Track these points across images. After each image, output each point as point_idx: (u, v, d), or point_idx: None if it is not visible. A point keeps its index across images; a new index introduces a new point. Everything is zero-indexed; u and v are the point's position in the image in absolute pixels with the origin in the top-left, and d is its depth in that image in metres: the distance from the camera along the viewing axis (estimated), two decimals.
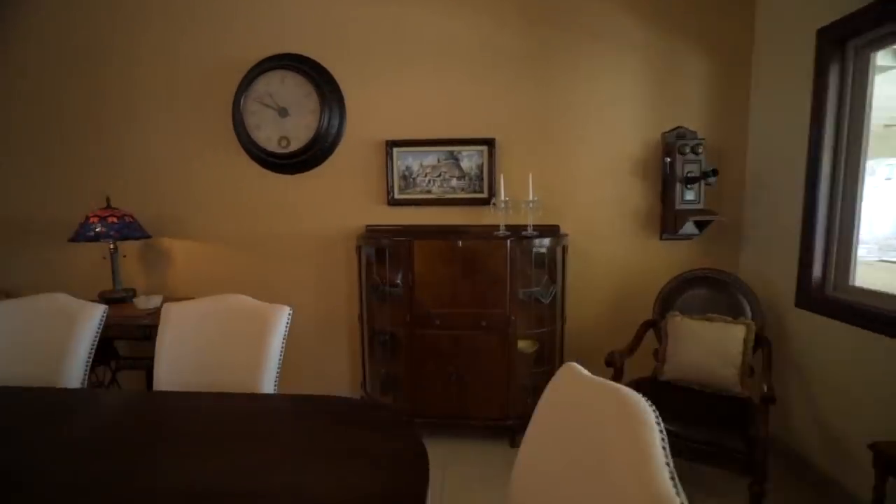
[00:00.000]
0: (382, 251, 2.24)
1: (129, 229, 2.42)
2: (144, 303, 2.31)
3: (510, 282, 2.08)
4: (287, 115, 2.43)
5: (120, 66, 2.59)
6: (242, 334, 1.41)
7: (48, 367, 1.46)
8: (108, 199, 2.47)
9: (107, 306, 1.55)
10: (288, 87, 2.41)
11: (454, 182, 2.41)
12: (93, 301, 1.58)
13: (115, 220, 2.38)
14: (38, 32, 2.60)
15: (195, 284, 2.72)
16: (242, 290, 2.64)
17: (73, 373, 1.47)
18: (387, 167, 2.42)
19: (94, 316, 1.52)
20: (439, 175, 2.42)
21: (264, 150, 2.46)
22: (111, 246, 2.47)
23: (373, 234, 2.40)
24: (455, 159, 2.39)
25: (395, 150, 2.41)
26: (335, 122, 2.43)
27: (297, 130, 2.42)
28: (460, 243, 2.09)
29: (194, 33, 2.52)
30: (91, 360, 1.51)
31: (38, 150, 2.68)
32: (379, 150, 2.45)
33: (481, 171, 2.38)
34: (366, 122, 2.47)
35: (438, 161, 2.41)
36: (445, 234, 2.26)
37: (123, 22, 2.55)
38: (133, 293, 2.54)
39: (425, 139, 2.39)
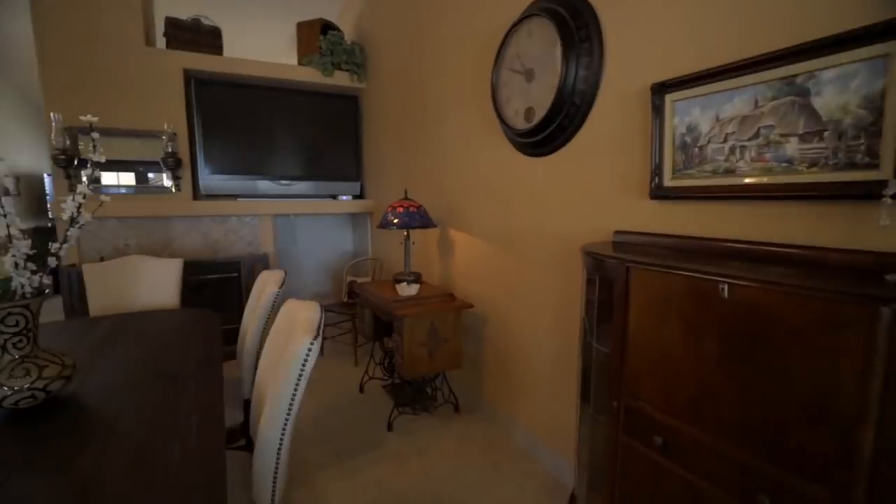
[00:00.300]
0: (595, 279, 1.29)
1: (412, 219, 2.59)
2: (403, 290, 2.42)
3: (884, 425, 0.68)
4: (532, 78, 1.84)
5: (428, 69, 2.80)
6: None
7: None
8: (405, 192, 2.75)
9: (277, 290, 1.65)
10: (535, 41, 1.80)
11: (791, 147, 1.06)
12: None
13: (401, 209, 2.61)
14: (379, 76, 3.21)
15: (464, 278, 2.63)
16: (495, 293, 2.34)
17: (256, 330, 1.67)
18: (652, 132, 1.37)
19: (269, 294, 1.65)
20: (757, 134, 1.13)
21: (512, 128, 1.97)
22: (404, 233, 2.74)
23: (612, 248, 1.44)
24: (799, 94, 1.03)
25: (669, 97, 1.32)
26: (583, 73, 1.61)
27: (542, 94, 1.78)
28: (724, 289, 0.87)
29: (463, 19, 2.35)
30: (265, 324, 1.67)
31: (385, 156, 3.35)
32: (640, 106, 1.43)
33: (873, 114, 0.91)
34: (626, 60, 1.50)
35: (756, 105, 1.12)
36: (706, 261, 1.03)
37: (424, 31, 2.71)
38: (417, 278, 2.73)
39: (729, 64, 1.16)
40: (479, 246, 2.45)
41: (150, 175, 3.53)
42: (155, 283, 2.30)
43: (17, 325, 1.11)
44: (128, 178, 3.56)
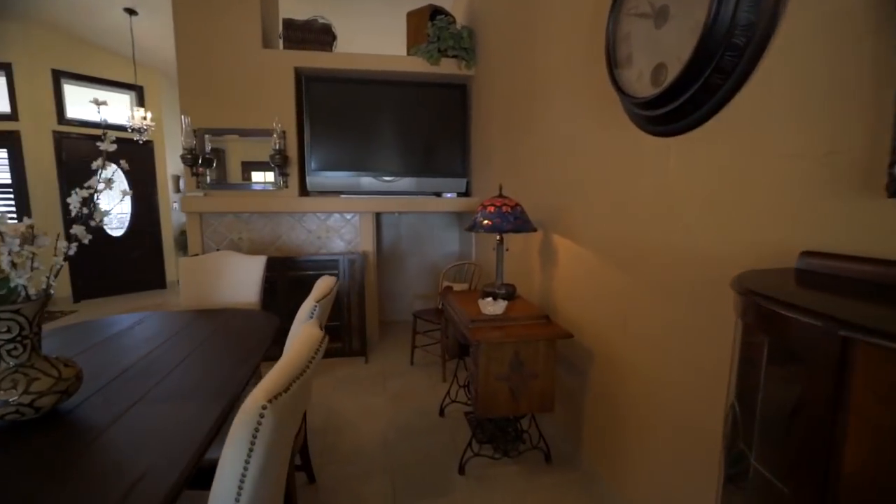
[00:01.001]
0: (759, 343, 0.70)
1: (504, 220, 2.15)
2: (486, 306, 2.00)
3: None
4: (665, 20, 1.25)
5: (537, 39, 2.30)
6: None
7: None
8: (500, 188, 2.31)
9: (314, 304, 1.38)
10: None
11: None
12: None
13: (493, 209, 2.18)
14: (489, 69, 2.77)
15: (566, 298, 2.11)
16: (605, 321, 1.76)
17: None
18: None
19: (307, 308, 1.39)
20: None
21: (633, 97, 1.40)
22: (497, 238, 2.31)
23: (795, 283, 0.82)
24: None
25: None
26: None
27: (678, 40, 1.19)
28: None
29: None
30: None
31: (492, 150, 2.92)
32: (875, 26, 0.77)
33: None
34: None
35: None
36: None
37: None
38: (510, 293, 2.28)
39: None
40: (586, 258, 1.90)
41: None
42: (237, 280, 2.28)
43: (9, 331, 1.01)
44: (272, 177, 3.79)
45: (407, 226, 4.33)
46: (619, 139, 1.60)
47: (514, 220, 2.15)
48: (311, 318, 1.35)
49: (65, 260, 1.12)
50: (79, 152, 5.01)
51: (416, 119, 3.70)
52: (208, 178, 3.33)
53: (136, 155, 5.38)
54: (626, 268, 1.59)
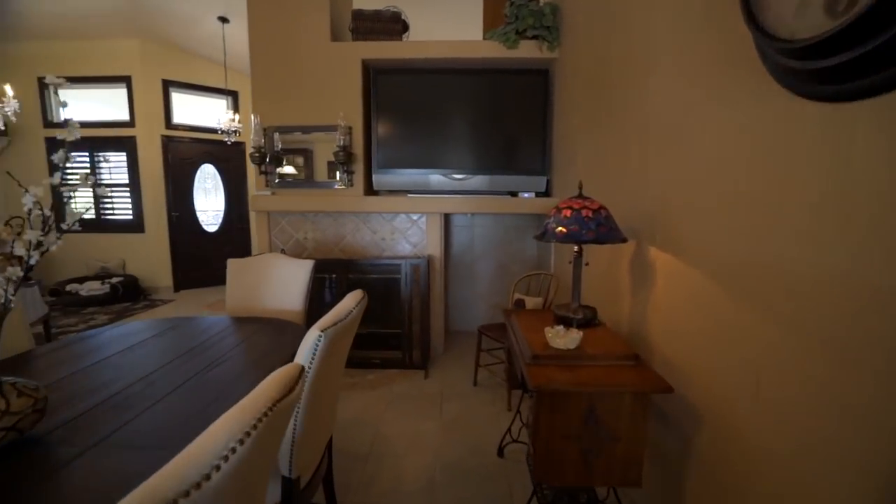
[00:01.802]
0: None
1: (584, 227, 1.69)
2: (556, 338, 1.57)
3: None
4: None
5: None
6: None
7: None
8: (580, 185, 1.85)
9: (319, 332, 1.07)
10: None
11: None
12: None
13: (569, 212, 1.74)
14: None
15: (664, 332, 1.60)
16: (725, 375, 1.24)
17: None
18: None
19: (311, 337, 1.10)
20: None
21: (786, 42, 0.90)
22: (575, 249, 1.86)
23: None
24: None
25: None
26: None
27: None
28: None
29: None
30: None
31: (577, 143, 2.44)
32: None
33: None
34: None
35: None
36: None
37: None
38: (588, 318, 1.82)
39: None
40: (698, 284, 1.39)
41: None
42: (282, 285, 2.12)
43: None
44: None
45: (480, 228, 3.98)
46: (754, 112, 1.09)
47: (598, 228, 1.68)
48: (314, 353, 1.06)
49: (29, 270, 0.95)
50: (180, 153, 5.45)
51: (491, 110, 3.33)
52: (276, 178, 3.29)
53: (228, 156, 5.72)
54: (764, 305, 1.07)
